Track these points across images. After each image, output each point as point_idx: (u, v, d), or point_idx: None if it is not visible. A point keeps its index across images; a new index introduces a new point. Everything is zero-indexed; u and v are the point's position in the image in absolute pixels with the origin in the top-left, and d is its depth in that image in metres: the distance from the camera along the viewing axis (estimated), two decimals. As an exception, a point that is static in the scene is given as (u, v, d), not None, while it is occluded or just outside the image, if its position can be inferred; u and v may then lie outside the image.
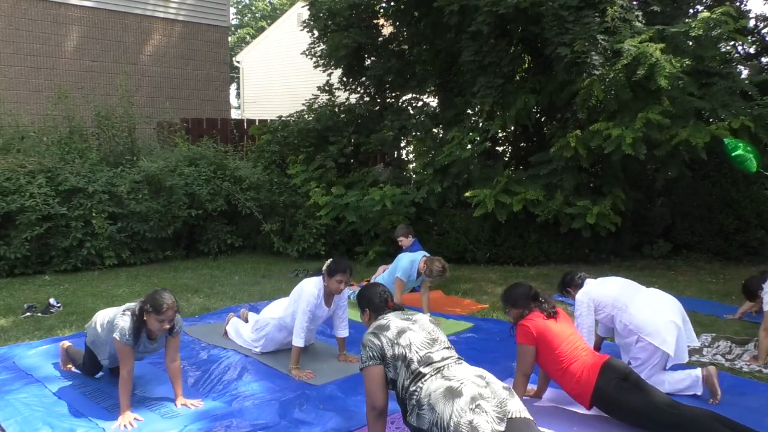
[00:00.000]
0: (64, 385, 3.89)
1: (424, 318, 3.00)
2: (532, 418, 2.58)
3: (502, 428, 2.43)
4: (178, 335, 3.65)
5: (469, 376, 2.63)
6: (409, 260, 5.53)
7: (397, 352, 2.78)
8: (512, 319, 3.61)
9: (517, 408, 2.54)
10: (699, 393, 3.75)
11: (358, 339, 4.88)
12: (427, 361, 2.73)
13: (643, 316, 3.81)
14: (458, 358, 2.83)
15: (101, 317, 3.77)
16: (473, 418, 2.43)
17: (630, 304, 3.90)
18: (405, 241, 6.77)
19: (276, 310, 4.53)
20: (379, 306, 3.13)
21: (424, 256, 5.57)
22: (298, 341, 4.14)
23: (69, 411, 3.53)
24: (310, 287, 4.21)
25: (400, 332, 2.84)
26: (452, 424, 2.44)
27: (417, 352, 2.76)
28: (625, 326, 3.86)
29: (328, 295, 4.28)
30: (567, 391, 3.44)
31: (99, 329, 3.71)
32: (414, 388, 2.67)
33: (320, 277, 4.25)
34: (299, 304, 4.20)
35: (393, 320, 2.92)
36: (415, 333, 2.84)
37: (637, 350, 3.80)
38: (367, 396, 2.86)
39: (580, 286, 4.13)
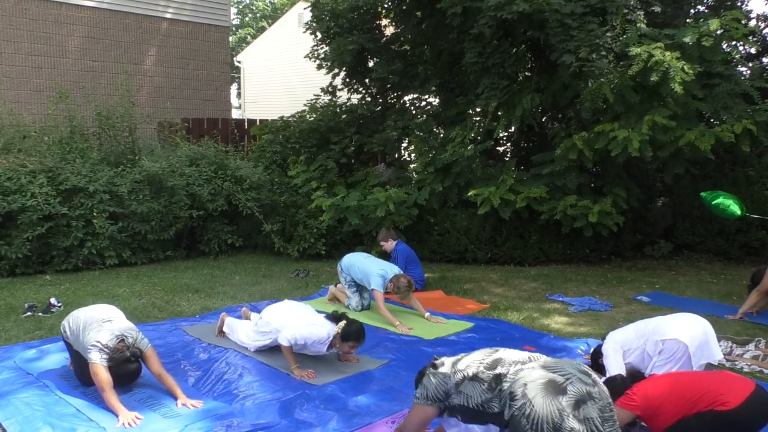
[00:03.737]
0: (64, 384, 3.89)
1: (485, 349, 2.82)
2: None
3: None
4: (150, 353, 3.72)
5: (574, 372, 2.31)
6: (381, 277, 5.52)
7: (458, 378, 2.62)
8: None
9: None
10: None
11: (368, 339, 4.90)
12: (497, 363, 2.52)
13: (668, 322, 3.80)
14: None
15: (81, 328, 3.74)
16: (578, 428, 2.15)
17: (653, 323, 3.87)
18: (387, 245, 6.74)
19: (280, 320, 4.43)
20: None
21: (395, 275, 5.55)
22: (285, 342, 4.13)
23: (69, 411, 3.53)
24: (322, 332, 4.14)
25: (456, 361, 2.73)
26: (550, 424, 2.15)
27: (481, 363, 2.58)
28: (655, 342, 3.74)
29: (332, 345, 4.25)
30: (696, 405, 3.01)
31: (83, 340, 3.69)
32: (498, 387, 2.42)
33: (333, 325, 4.20)
34: (304, 329, 4.16)
35: (445, 360, 2.80)
36: (469, 355, 2.72)
37: (664, 351, 3.69)
38: (404, 423, 2.80)
39: None
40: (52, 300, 5.73)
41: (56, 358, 4.33)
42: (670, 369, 3.66)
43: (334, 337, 4.15)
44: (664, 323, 3.81)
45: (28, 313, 5.48)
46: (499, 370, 2.46)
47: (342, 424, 3.43)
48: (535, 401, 2.20)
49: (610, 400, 2.27)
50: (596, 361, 3.97)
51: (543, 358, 2.46)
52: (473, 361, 2.63)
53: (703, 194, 6.06)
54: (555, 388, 2.21)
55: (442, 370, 2.71)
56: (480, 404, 2.51)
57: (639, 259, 8.32)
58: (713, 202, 5.88)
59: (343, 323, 4.16)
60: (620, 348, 3.83)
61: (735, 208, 5.79)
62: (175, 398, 3.66)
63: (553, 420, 2.15)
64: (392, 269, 5.66)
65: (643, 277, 7.38)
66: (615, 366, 3.73)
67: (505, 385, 2.39)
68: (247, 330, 4.65)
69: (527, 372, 2.34)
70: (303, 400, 3.72)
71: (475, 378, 2.55)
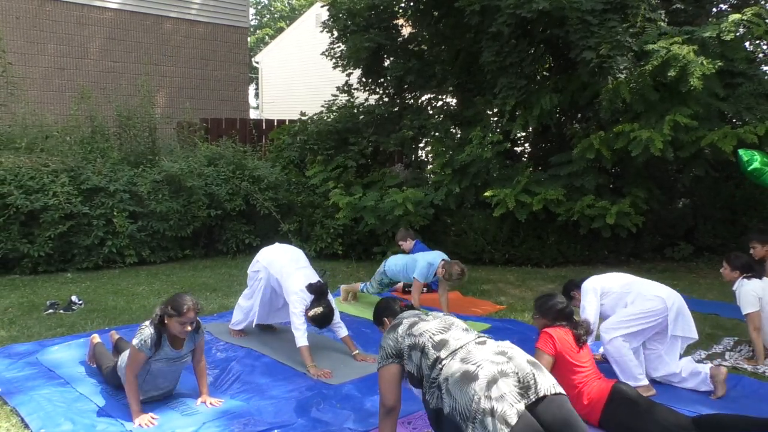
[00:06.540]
0: (85, 381, 3.94)
1: (439, 314, 3.05)
2: (564, 393, 2.55)
3: (522, 407, 2.38)
4: (203, 338, 3.66)
5: (487, 356, 2.56)
6: (427, 263, 5.51)
7: (410, 342, 2.81)
8: (538, 327, 3.65)
9: (548, 383, 2.50)
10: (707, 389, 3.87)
11: (374, 338, 4.90)
12: (442, 345, 2.70)
13: (647, 286, 4.12)
14: (479, 337, 2.77)
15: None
16: (494, 406, 2.36)
17: (635, 282, 4.19)
18: (405, 244, 6.73)
19: (266, 257, 4.82)
20: (395, 310, 3.21)
21: (443, 260, 5.55)
22: (302, 342, 4.20)
23: (90, 407, 3.57)
24: (298, 304, 4.31)
25: (412, 324, 2.89)
26: (470, 411, 2.40)
27: (431, 338, 2.75)
28: (635, 297, 4.05)
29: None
30: (576, 408, 3.43)
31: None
32: (434, 374, 2.65)
33: (310, 299, 4.34)
34: (289, 304, 4.33)
35: (405, 318, 2.98)
36: (427, 322, 2.88)
37: (647, 316, 3.95)
38: (380, 394, 2.91)
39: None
40: (74, 297, 5.81)
41: (77, 354, 4.38)
42: (643, 324, 3.94)
43: (306, 311, 4.26)
44: (648, 285, 4.11)
45: (50, 311, 5.56)
46: (440, 353, 2.67)
47: (358, 423, 3.43)
48: (455, 394, 2.49)
49: (529, 369, 2.49)
50: (567, 292, 4.31)
51: (468, 347, 2.66)
52: (426, 331, 2.79)
53: (740, 151, 5.84)
54: (468, 378, 2.48)
55: (398, 331, 2.88)
56: (423, 377, 2.72)
57: (659, 261, 8.22)
58: (749, 168, 5.72)
59: (318, 310, 4.17)
60: (600, 290, 4.14)
61: None
62: (198, 395, 3.68)
63: (470, 405, 2.41)
64: (440, 255, 5.60)
65: (663, 279, 7.19)
66: (593, 312, 4.11)
67: (435, 373, 2.65)
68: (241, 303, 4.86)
69: (448, 365, 2.59)
70: (319, 399, 3.73)
71: (423, 351, 2.74)
